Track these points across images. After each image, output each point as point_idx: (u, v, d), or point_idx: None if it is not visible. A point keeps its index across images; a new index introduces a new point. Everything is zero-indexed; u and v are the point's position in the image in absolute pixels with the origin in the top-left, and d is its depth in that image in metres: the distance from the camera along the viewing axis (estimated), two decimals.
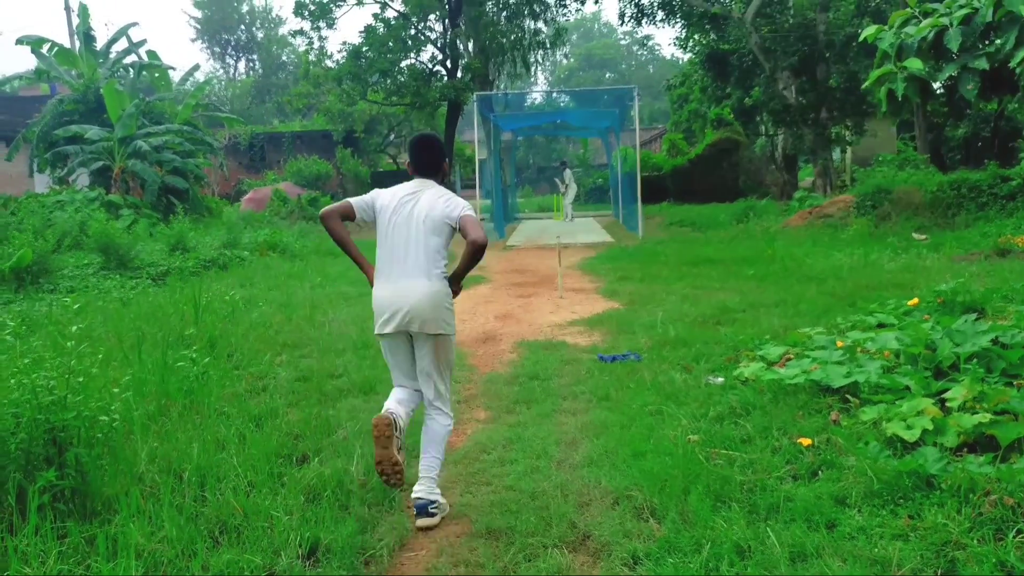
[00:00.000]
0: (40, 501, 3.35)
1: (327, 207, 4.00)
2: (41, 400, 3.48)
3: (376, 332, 3.99)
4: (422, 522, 3.68)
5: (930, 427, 3.92)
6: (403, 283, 3.82)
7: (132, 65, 23.63)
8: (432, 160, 4.03)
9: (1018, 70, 10.75)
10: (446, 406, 3.97)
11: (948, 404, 4.23)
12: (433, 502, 3.71)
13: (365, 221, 4.00)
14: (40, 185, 24.71)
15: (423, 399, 3.98)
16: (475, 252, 3.71)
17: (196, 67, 28.61)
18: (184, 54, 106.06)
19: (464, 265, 3.78)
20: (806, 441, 4.10)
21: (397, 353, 3.99)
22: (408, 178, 4.06)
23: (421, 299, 3.78)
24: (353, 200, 4.02)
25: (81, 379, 3.73)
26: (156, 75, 24.48)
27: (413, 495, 3.74)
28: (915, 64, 11.78)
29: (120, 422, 4.07)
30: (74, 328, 3.97)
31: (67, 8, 31.41)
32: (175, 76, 27.42)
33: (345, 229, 3.97)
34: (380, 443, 3.64)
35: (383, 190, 4.06)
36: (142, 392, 5.17)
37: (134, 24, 24.29)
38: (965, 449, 3.83)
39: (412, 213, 3.86)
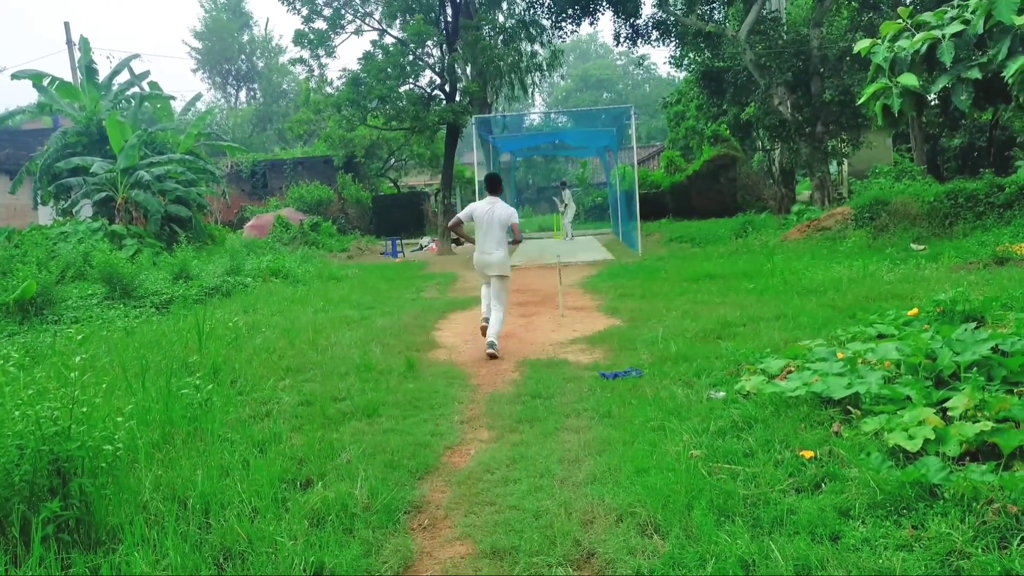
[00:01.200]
0: (44, 532, 3.36)
1: (452, 220, 8.61)
2: (45, 431, 3.50)
3: (476, 271, 8.64)
4: (490, 351, 7.88)
5: (932, 436, 3.92)
6: (489, 252, 8.33)
7: (134, 96, 23.80)
8: (496, 186, 8.55)
9: (1011, 80, 10.82)
10: (502, 307, 8.36)
11: (949, 413, 4.24)
12: (495, 344, 7.94)
13: (469, 221, 8.45)
14: (44, 217, 24.86)
15: (495, 304, 8.35)
16: (516, 243, 8.69)
17: (198, 97, 28.82)
18: (186, 84, 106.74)
19: (512, 244, 8.67)
20: (808, 453, 4.10)
21: (486, 286, 8.55)
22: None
23: (497, 260, 8.32)
24: (460, 215, 8.55)
25: (85, 409, 3.75)
26: (159, 106, 24.66)
27: (487, 340, 8.00)
28: (909, 80, 11.83)
29: (124, 451, 4.09)
30: (77, 359, 3.98)
31: (69, 42, 31.75)
32: (177, 106, 27.66)
33: (463, 228, 8.71)
34: (490, 357, 7.93)
35: (475, 204, 8.58)
36: (146, 420, 5.19)
37: (136, 56, 24.46)
38: (967, 458, 3.84)
39: (492, 215, 8.30)
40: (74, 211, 21.27)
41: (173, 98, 25.46)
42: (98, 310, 11.01)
